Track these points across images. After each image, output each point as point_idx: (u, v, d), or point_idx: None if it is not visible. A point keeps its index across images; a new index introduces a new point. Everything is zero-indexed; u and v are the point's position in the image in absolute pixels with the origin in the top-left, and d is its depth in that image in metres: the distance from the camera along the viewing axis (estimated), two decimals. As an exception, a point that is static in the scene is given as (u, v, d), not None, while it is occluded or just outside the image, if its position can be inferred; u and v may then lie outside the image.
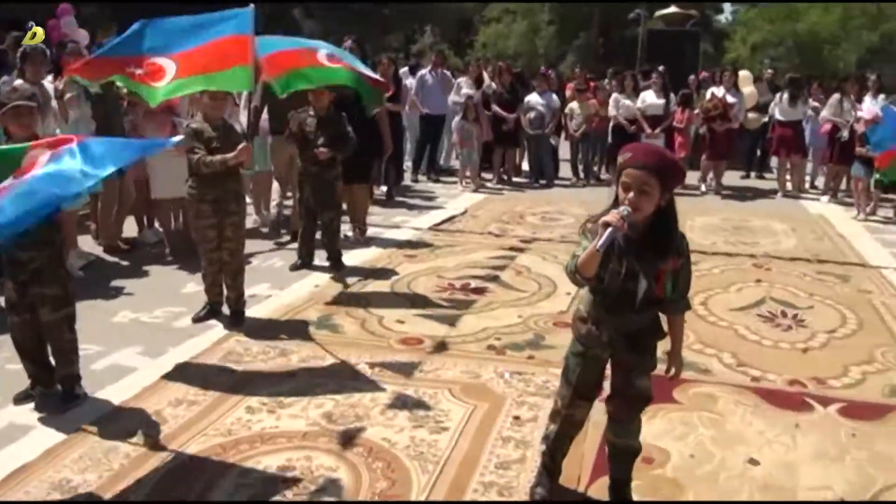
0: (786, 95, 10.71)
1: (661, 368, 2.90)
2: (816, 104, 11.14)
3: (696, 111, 10.85)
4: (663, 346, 2.85)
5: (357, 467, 3.23)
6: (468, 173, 10.80)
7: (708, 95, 11.02)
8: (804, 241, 7.84)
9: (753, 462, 3.35)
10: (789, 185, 10.91)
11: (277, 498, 3.00)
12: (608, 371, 2.91)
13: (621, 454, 2.97)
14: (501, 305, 5.43)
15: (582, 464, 3.26)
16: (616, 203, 2.56)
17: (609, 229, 2.42)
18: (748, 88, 11.43)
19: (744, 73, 12.02)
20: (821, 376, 4.30)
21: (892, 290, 6.11)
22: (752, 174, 12.48)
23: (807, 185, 11.31)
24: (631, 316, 2.69)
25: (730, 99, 10.72)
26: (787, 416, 3.78)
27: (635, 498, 3.00)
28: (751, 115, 11.36)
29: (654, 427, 3.55)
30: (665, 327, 2.83)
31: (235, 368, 4.22)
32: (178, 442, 3.41)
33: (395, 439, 3.46)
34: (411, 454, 3.34)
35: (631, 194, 2.50)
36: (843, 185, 10.57)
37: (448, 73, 11.75)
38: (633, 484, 3.02)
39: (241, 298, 5.01)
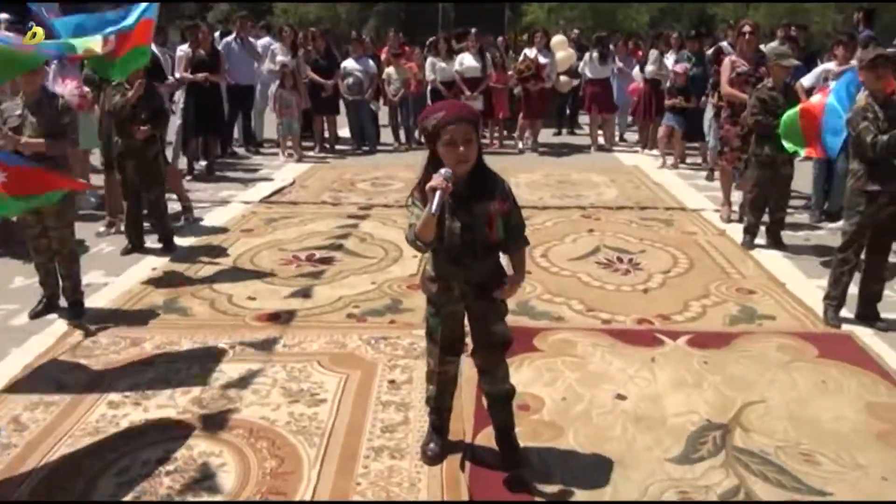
0: (595, 54, 11.24)
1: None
2: (621, 64, 11.78)
3: (511, 72, 11.16)
4: (515, 299, 2.97)
5: (241, 449, 3.13)
6: (289, 143, 10.55)
7: (521, 57, 11.34)
8: (624, 191, 8.31)
9: (621, 397, 3.57)
10: (601, 140, 11.52)
11: (165, 492, 2.85)
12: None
13: (499, 401, 3.08)
14: (352, 273, 5.41)
15: (463, 417, 3.34)
16: (434, 165, 2.69)
17: (438, 192, 2.56)
18: (563, 52, 11.85)
19: (558, 38, 12.46)
20: (665, 313, 4.64)
21: (714, 230, 6.64)
22: (564, 131, 13.08)
23: (616, 139, 11.97)
24: (475, 265, 2.80)
25: (542, 60, 11.09)
26: (642, 352, 4.05)
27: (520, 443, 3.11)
28: (563, 78, 11.79)
29: (523, 376, 3.69)
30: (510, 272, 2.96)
31: (87, 363, 3.94)
32: (44, 447, 3.15)
33: (273, 417, 3.39)
34: (294, 429, 3.28)
35: (461, 148, 2.65)
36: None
37: (253, 40, 11.22)
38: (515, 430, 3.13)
39: (78, 288, 4.67)
